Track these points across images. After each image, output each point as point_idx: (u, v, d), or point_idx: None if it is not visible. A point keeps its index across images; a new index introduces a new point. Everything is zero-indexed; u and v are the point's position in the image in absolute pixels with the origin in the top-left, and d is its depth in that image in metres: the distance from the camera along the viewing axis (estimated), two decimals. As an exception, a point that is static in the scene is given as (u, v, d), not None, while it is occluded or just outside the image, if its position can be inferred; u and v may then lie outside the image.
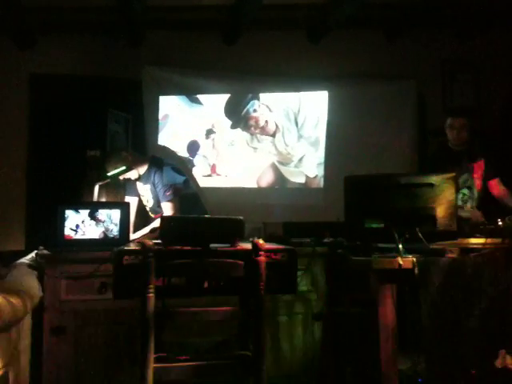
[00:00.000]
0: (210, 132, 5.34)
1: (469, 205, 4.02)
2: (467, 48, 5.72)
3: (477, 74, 5.76)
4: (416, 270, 2.24)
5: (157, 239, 2.48)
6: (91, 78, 5.03)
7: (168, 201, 3.91)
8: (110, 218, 3.10)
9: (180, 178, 4.08)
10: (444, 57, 5.73)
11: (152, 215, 4.13)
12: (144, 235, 3.72)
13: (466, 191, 4.03)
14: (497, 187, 4.05)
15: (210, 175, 5.30)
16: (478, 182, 4.07)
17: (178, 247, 2.33)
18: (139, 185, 4.10)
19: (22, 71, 4.96)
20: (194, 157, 5.29)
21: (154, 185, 3.98)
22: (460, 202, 3.90)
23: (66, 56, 5.02)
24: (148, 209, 4.16)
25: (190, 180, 4.71)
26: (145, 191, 4.09)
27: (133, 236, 3.60)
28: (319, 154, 5.49)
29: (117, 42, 5.07)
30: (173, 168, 4.11)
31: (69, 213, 3.04)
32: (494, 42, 5.61)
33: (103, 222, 3.09)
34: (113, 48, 5.07)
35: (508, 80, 5.54)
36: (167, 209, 3.91)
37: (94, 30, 5.04)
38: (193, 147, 5.30)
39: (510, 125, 5.48)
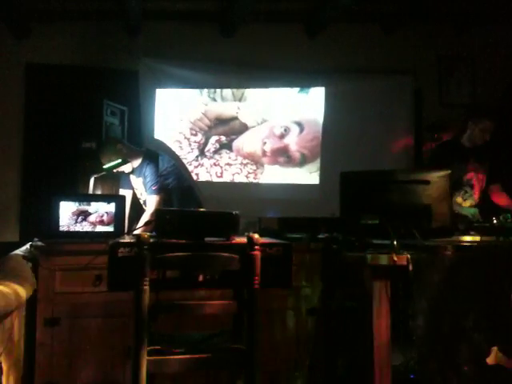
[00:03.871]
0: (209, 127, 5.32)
1: (468, 203, 4.01)
2: (464, 43, 5.73)
3: (473, 70, 5.77)
4: (410, 267, 2.25)
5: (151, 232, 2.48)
6: (87, 68, 5.00)
7: (152, 194, 3.90)
8: (106, 211, 3.09)
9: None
10: (441, 52, 5.74)
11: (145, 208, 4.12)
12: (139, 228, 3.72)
13: (468, 189, 4.02)
14: (496, 194, 4.02)
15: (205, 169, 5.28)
16: (482, 183, 4.05)
17: (173, 240, 2.33)
18: (132, 178, 4.09)
19: (18, 60, 4.93)
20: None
21: (144, 177, 3.97)
22: (461, 200, 3.90)
23: (63, 46, 4.99)
24: (142, 202, 4.16)
25: (186, 173, 4.71)
26: (138, 184, 4.08)
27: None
28: (315, 149, 5.48)
29: (114, 33, 5.05)
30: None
31: (64, 204, 3.03)
32: (490, 37, 5.63)
33: (98, 214, 3.08)
34: (110, 38, 5.04)
35: (504, 75, 5.55)
36: (151, 202, 3.89)
37: (91, 20, 5.02)
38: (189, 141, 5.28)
39: (506, 121, 5.48)
